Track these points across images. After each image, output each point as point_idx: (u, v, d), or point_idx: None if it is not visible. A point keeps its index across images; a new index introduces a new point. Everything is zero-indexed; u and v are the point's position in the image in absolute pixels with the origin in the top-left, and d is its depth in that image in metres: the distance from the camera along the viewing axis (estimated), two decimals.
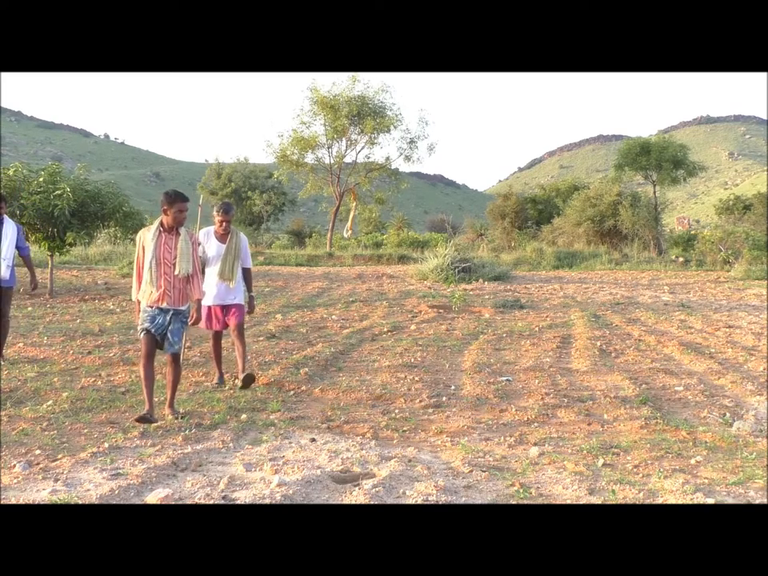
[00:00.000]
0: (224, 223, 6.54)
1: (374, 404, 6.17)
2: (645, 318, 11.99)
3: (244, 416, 5.62)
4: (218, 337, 6.74)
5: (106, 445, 4.77)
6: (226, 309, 6.58)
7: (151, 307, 5.44)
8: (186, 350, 8.52)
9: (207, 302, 6.44)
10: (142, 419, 5.24)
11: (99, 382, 6.74)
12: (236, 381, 6.60)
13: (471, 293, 15.94)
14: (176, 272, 5.42)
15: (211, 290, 6.49)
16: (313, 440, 5.01)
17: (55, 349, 8.44)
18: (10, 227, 7.56)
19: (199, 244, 6.32)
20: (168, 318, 5.45)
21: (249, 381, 6.44)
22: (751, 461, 4.55)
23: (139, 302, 5.51)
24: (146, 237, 5.44)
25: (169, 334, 5.45)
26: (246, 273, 6.71)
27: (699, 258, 25.34)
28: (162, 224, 5.46)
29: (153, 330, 5.42)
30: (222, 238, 6.57)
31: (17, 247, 7.73)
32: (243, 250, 6.63)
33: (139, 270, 5.48)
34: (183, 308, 5.52)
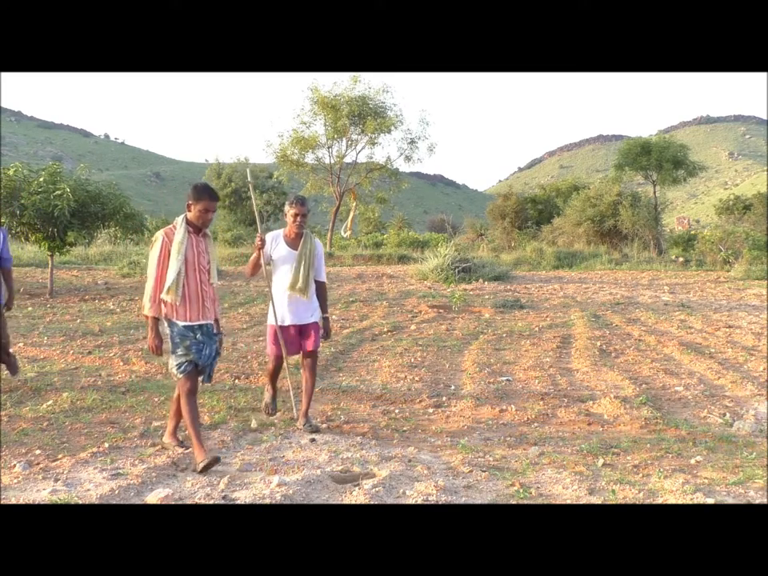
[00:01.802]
0: (298, 217, 5.34)
1: (374, 404, 6.17)
2: (645, 318, 11.98)
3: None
4: (279, 364, 5.45)
5: (106, 445, 4.78)
6: (300, 329, 5.40)
7: (192, 330, 4.48)
8: None
9: (273, 320, 5.34)
10: (210, 465, 4.27)
11: (99, 382, 6.74)
12: (296, 423, 5.42)
13: (471, 293, 15.94)
14: (212, 280, 4.61)
15: (280, 305, 5.34)
16: (313, 440, 5.01)
17: (55, 349, 8.44)
18: None
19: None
20: (215, 345, 4.59)
21: (316, 429, 5.30)
22: (751, 461, 4.55)
23: (156, 319, 4.45)
24: (175, 238, 4.43)
25: (210, 365, 4.60)
26: (321, 288, 5.52)
27: (699, 257, 25.33)
28: (189, 223, 4.52)
29: (200, 363, 4.50)
30: (293, 242, 5.41)
31: None
32: (318, 257, 5.46)
33: (161, 278, 4.41)
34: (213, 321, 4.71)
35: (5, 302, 6.47)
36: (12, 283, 6.57)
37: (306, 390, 5.39)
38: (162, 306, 4.46)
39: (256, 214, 5.60)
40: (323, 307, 5.53)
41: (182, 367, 4.44)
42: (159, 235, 4.48)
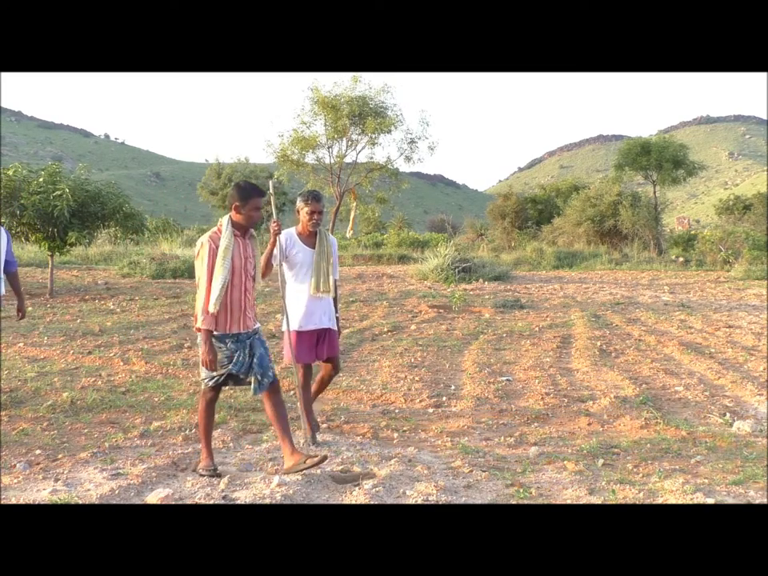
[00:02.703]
0: (314, 215, 4.97)
1: (374, 404, 6.17)
2: (645, 317, 11.98)
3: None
4: (309, 373, 5.08)
5: (106, 445, 4.78)
6: (319, 335, 5.09)
7: (223, 340, 4.19)
8: (185, 349, 8.52)
9: (295, 325, 4.93)
10: (210, 475, 4.22)
11: (99, 382, 6.74)
12: (302, 436, 4.96)
13: (471, 293, 15.94)
14: (256, 284, 4.38)
15: (299, 309, 4.98)
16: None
17: (55, 349, 8.44)
18: (2, 236, 5.91)
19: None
20: (247, 349, 4.24)
21: (316, 428, 5.04)
22: (751, 461, 4.55)
23: (210, 332, 4.14)
24: (221, 243, 4.13)
25: (256, 369, 4.23)
26: (334, 286, 5.25)
27: (699, 257, 25.35)
28: (234, 225, 4.22)
29: (235, 371, 4.21)
30: (308, 240, 5.05)
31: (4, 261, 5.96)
32: (334, 255, 5.19)
33: (210, 287, 4.12)
34: (258, 325, 4.45)
35: (17, 308, 6.24)
36: (20, 287, 6.18)
37: (321, 387, 5.30)
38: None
39: (273, 212, 5.00)
40: (335, 306, 5.27)
41: (214, 380, 4.24)
42: (205, 241, 4.16)
